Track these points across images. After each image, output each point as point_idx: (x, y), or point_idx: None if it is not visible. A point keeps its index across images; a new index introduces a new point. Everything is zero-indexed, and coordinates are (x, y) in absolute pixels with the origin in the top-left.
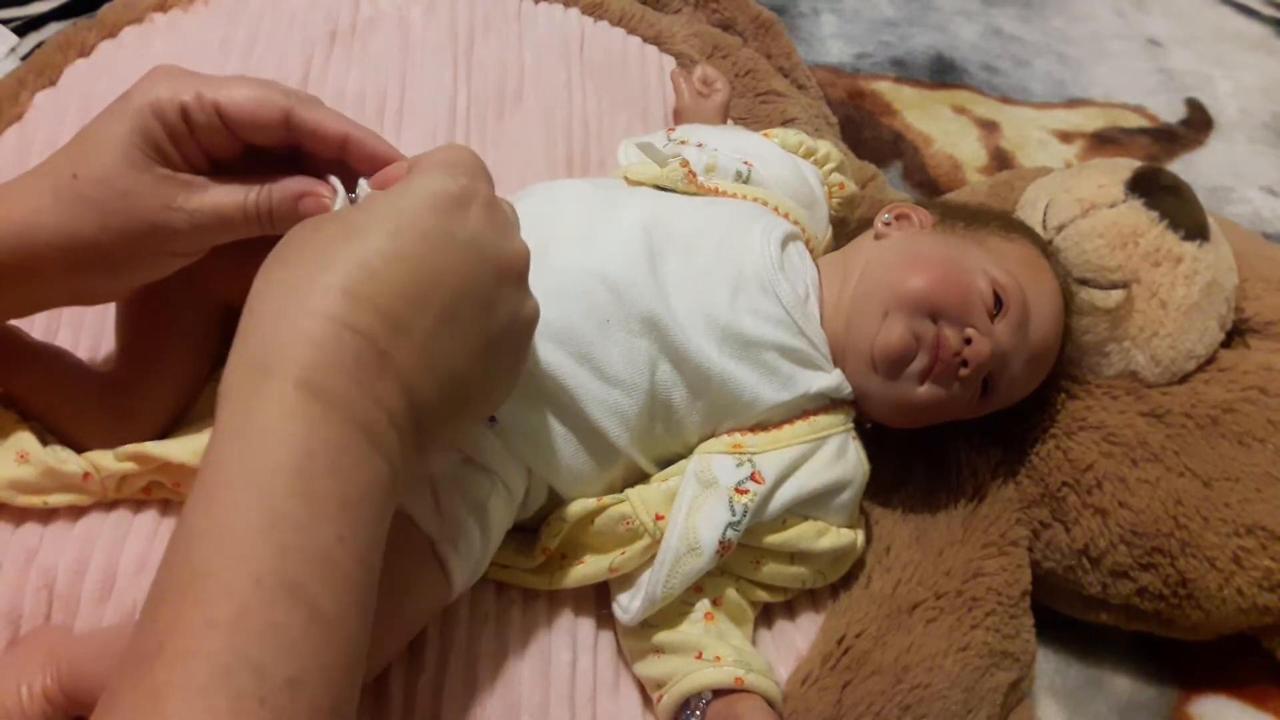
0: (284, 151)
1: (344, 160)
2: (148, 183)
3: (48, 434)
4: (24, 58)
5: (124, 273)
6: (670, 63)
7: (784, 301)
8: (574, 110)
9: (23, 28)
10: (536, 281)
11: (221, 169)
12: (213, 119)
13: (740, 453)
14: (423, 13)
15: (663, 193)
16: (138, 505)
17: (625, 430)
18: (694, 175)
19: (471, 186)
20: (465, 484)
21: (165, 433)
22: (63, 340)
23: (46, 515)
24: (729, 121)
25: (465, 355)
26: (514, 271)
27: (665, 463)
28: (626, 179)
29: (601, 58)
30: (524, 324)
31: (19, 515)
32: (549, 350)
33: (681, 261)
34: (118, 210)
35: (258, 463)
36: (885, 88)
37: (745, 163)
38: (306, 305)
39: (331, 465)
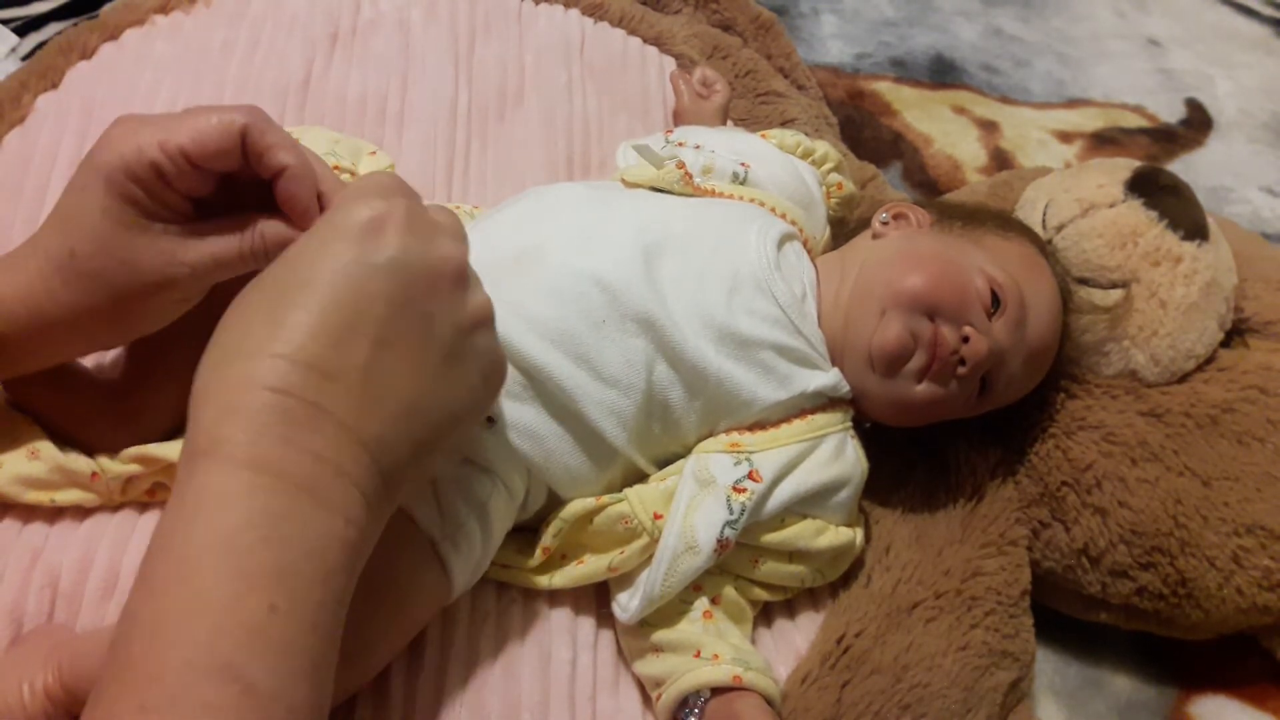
0: (256, 178)
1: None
2: (144, 244)
3: (57, 441)
4: (24, 58)
5: (133, 327)
6: (670, 64)
7: (780, 301)
8: (574, 111)
9: (23, 28)
10: (533, 282)
11: (203, 206)
12: (183, 165)
13: (738, 451)
14: (423, 14)
15: (659, 195)
16: (142, 507)
17: (623, 430)
18: (690, 177)
19: (385, 207)
20: (466, 484)
21: (171, 436)
22: None
23: (52, 515)
24: (729, 122)
25: (414, 377)
26: (446, 278)
27: (664, 463)
28: (623, 181)
29: (602, 59)
30: (472, 324)
31: (26, 515)
32: (546, 351)
33: (677, 262)
34: (121, 277)
35: (187, 545)
36: (885, 88)
37: (742, 164)
38: (230, 379)
39: (265, 536)
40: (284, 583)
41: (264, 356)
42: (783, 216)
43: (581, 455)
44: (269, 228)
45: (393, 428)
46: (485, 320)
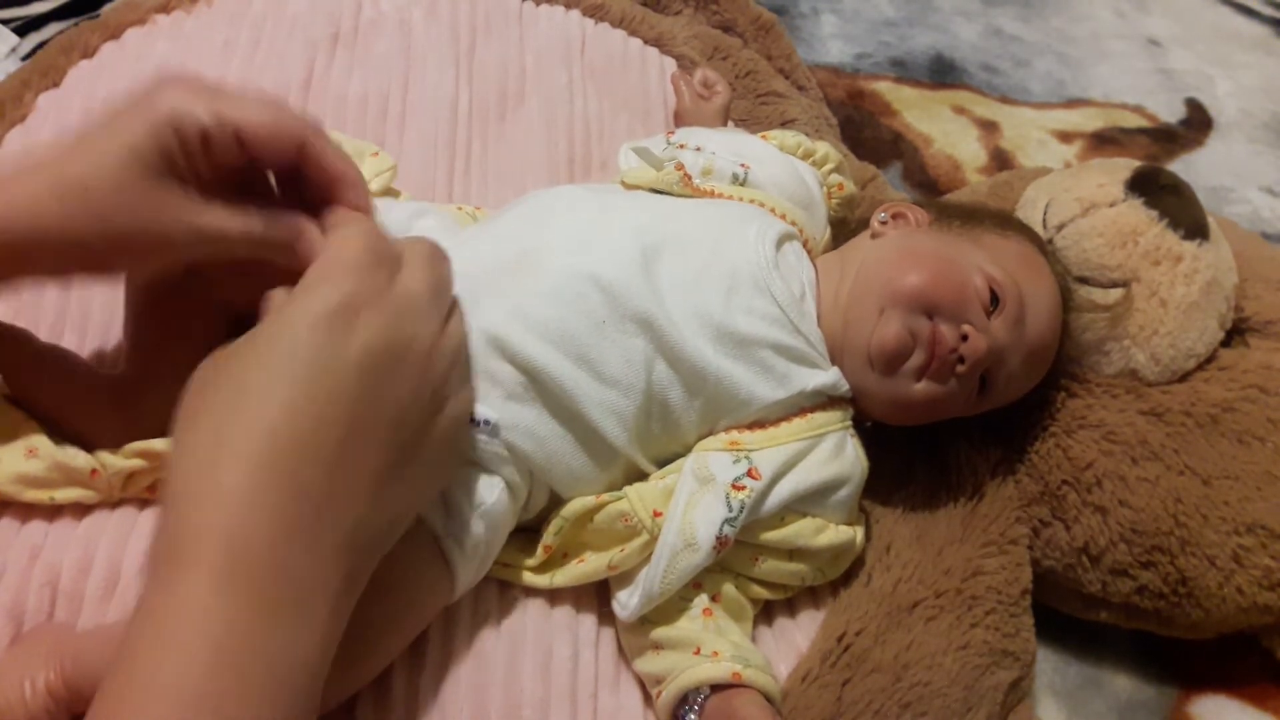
0: (287, 171)
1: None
2: (155, 194)
3: (57, 436)
4: (24, 58)
5: (112, 268)
6: (671, 64)
7: (779, 299)
8: (575, 112)
9: (23, 28)
10: (533, 284)
11: (223, 180)
12: (230, 142)
13: (737, 450)
14: (424, 15)
15: (659, 196)
16: (142, 504)
17: (623, 430)
18: (689, 178)
19: (357, 290)
20: (470, 484)
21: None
22: (68, 342)
23: (52, 513)
24: (729, 123)
25: (386, 463)
26: (416, 361)
27: (664, 462)
28: (623, 184)
29: (602, 59)
30: (442, 403)
31: (25, 514)
32: (546, 352)
33: (676, 262)
34: (121, 218)
35: (166, 661)
36: (885, 88)
37: (742, 165)
38: (208, 481)
39: (240, 661)
40: (262, 699)
41: (242, 463)
42: (782, 217)
43: (582, 455)
44: (283, 226)
45: (367, 514)
46: (445, 404)
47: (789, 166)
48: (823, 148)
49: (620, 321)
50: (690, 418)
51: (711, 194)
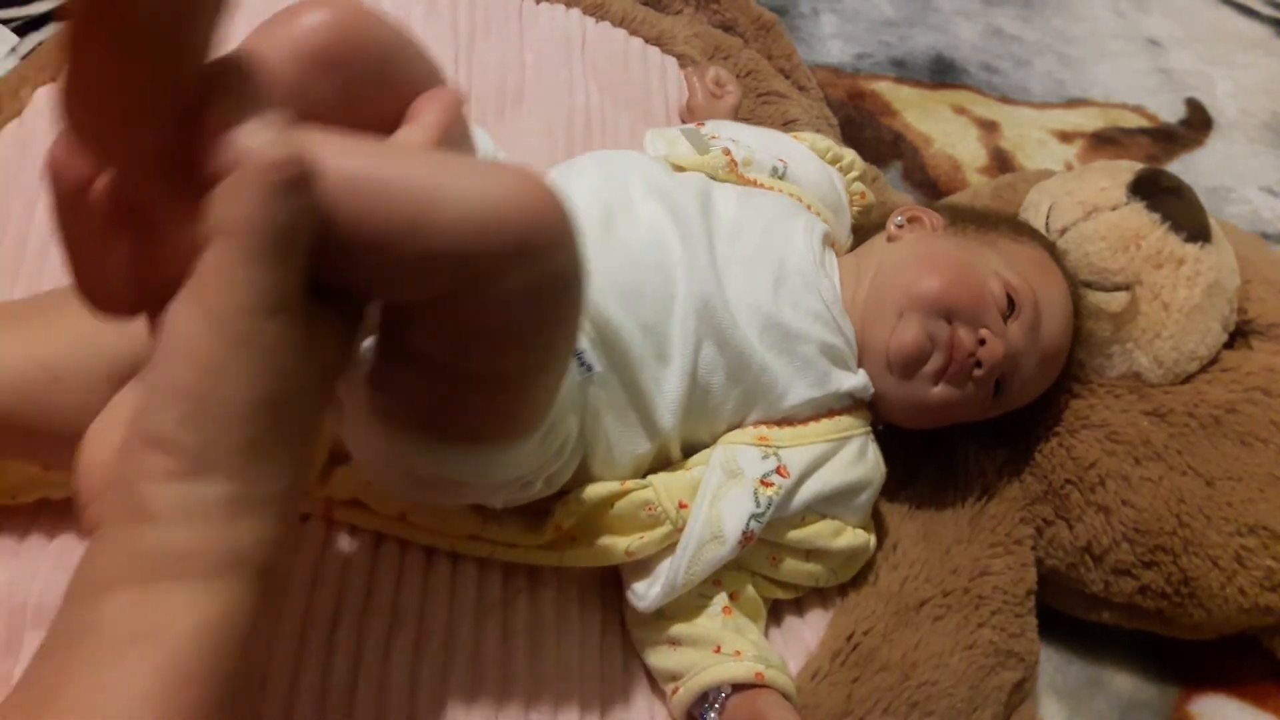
0: None
1: None
2: None
3: None
4: (24, 57)
5: None
6: (672, 64)
7: (824, 297)
8: (575, 108)
9: (23, 27)
10: (617, 245)
11: None
12: None
13: (766, 445)
14: (424, 11)
15: (707, 179)
16: None
17: (668, 409)
18: (735, 164)
19: None
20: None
21: None
22: None
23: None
24: None
25: None
26: None
27: (691, 449)
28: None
29: (603, 58)
30: None
31: None
32: (620, 314)
33: (727, 247)
34: None
35: None
36: (885, 88)
37: (780, 160)
38: None
39: None
40: None
41: None
42: (818, 215)
43: (628, 429)
44: None
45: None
46: None
47: (821, 169)
48: (849, 154)
49: (687, 298)
50: (726, 405)
51: (755, 184)
